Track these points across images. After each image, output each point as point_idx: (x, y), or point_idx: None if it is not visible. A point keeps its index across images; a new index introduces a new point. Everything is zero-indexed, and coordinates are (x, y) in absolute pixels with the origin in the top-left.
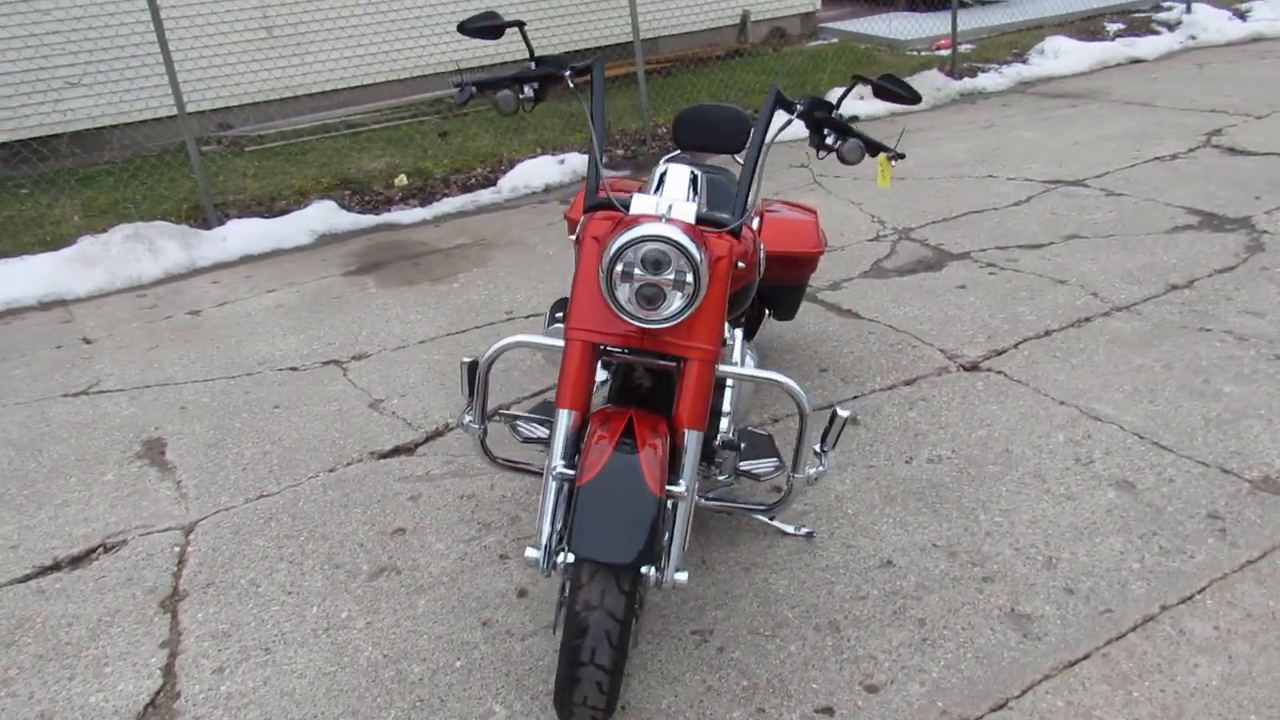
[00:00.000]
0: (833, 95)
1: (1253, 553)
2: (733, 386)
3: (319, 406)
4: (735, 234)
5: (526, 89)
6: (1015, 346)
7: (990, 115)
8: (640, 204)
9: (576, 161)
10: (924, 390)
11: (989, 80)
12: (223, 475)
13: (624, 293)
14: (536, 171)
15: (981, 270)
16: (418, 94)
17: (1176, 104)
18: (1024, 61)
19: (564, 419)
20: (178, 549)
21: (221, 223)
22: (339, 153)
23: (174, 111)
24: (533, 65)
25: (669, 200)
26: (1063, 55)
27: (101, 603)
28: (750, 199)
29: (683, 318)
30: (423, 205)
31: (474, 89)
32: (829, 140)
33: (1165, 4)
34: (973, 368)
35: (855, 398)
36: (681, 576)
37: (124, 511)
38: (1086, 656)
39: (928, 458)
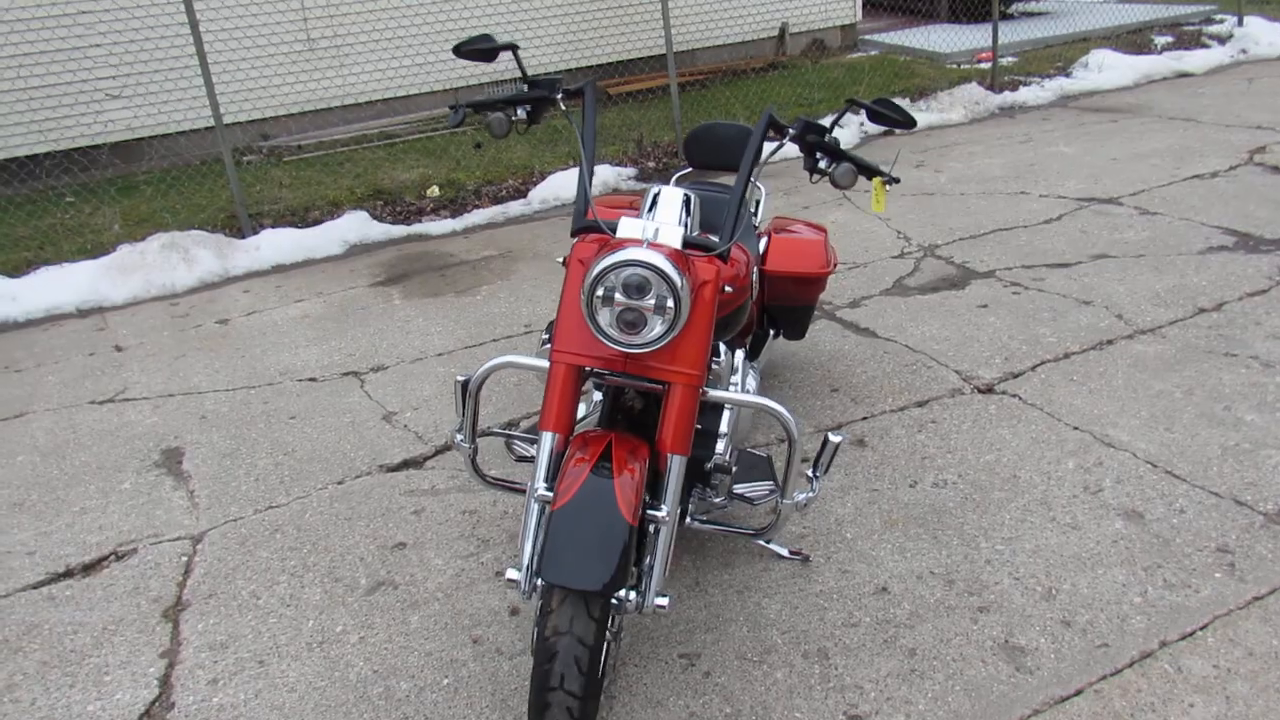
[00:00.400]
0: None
1: (1261, 589)
2: (731, 409)
3: (334, 418)
4: (723, 258)
5: (520, 111)
6: (1032, 369)
7: (1029, 130)
8: (627, 227)
9: (606, 174)
10: (935, 412)
11: (1030, 94)
12: (235, 486)
13: (605, 317)
14: (567, 183)
15: (1005, 289)
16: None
17: (1221, 120)
18: (1067, 75)
19: (547, 441)
20: (185, 558)
21: (256, 232)
22: (374, 163)
23: (212, 123)
24: (525, 87)
25: (656, 224)
26: (1107, 69)
27: (107, 611)
28: (741, 222)
29: (663, 343)
30: (453, 216)
31: (467, 111)
32: (821, 164)
33: (1217, 16)
34: (987, 390)
35: (864, 419)
36: (662, 601)
37: (137, 520)
38: (1079, 692)
39: (933, 482)
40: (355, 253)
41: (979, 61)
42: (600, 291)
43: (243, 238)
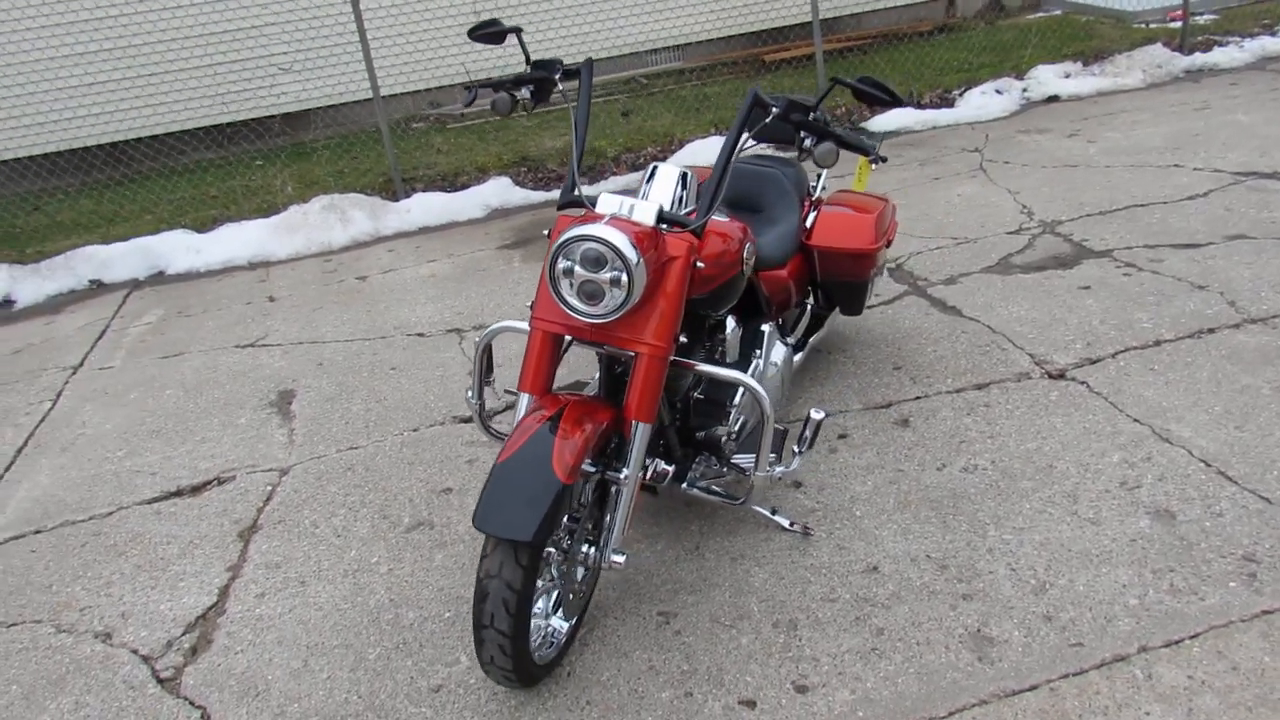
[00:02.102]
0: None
1: (1275, 603)
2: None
3: (428, 371)
4: (697, 234)
5: (524, 91)
6: (1113, 356)
7: (1209, 96)
8: (605, 203)
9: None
10: (991, 396)
11: (1224, 55)
12: (328, 427)
13: (566, 288)
14: (704, 151)
15: (1116, 270)
16: (615, 73)
17: None
18: (1272, 34)
19: (524, 402)
20: (270, 488)
21: (408, 195)
22: (527, 131)
23: (358, 98)
24: (528, 69)
25: (632, 201)
26: None
27: (197, 528)
28: (718, 198)
29: (618, 315)
30: (590, 183)
31: (476, 92)
32: (806, 143)
33: None
34: (1058, 376)
35: (917, 398)
36: (618, 559)
37: (242, 451)
38: (1033, 688)
39: (963, 466)
40: (494, 216)
41: (1170, 20)
42: (562, 264)
43: (395, 200)
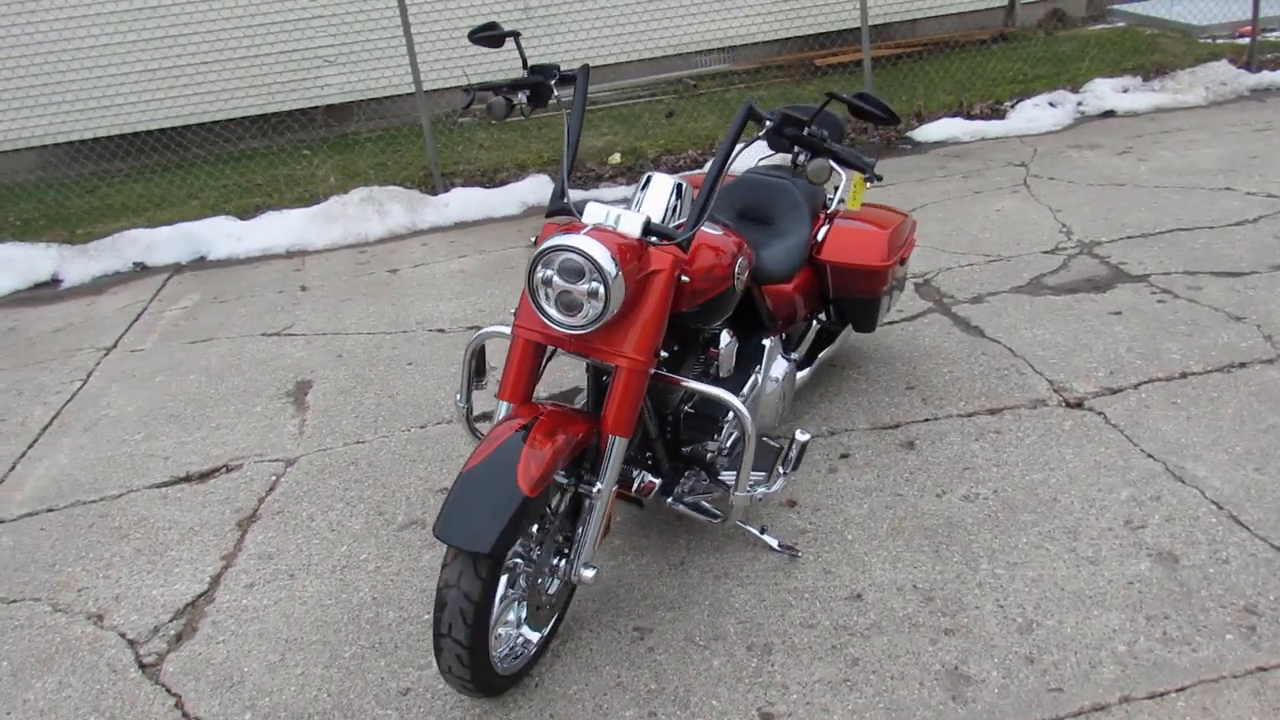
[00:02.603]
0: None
1: (1272, 659)
2: (742, 397)
3: (441, 368)
4: (683, 247)
5: (521, 95)
6: (1135, 386)
7: (1273, 116)
8: (591, 213)
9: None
10: (1003, 422)
11: None
12: (338, 419)
13: (545, 298)
14: (744, 157)
15: (1151, 296)
16: (659, 74)
17: None
18: None
19: (502, 410)
20: (274, 478)
21: (446, 190)
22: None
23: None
24: (526, 73)
25: (619, 210)
26: None
27: (199, 514)
28: (706, 212)
29: (595, 327)
30: (628, 184)
31: (475, 95)
32: (800, 158)
33: None
34: (1076, 404)
35: (926, 420)
36: (588, 573)
37: (253, 440)
38: None
39: (964, 494)
40: (530, 214)
41: (1239, 36)
42: (541, 273)
43: (434, 195)
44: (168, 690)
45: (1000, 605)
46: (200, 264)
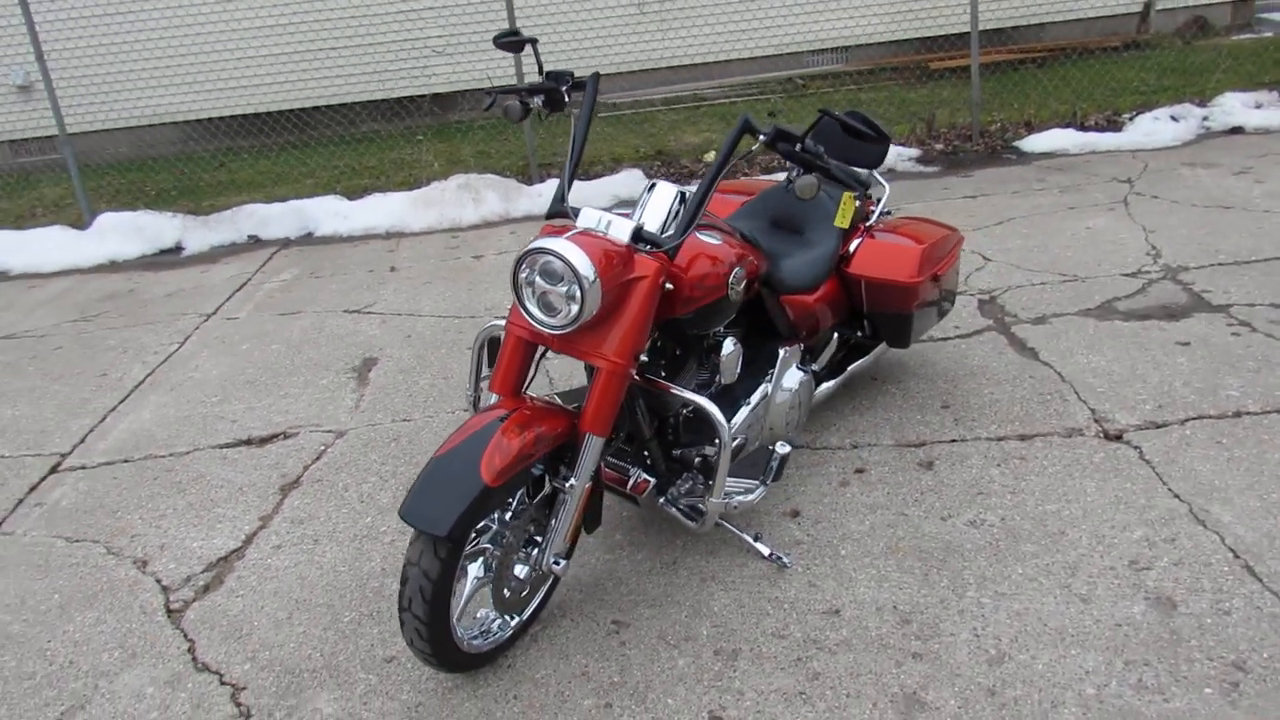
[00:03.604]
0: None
1: (1247, 719)
2: (748, 404)
3: None
4: (670, 255)
5: (536, 100)
6: (1181, 422)
7: None
8: (585, 217)
9: (896, 151)
10: (1032, 449)
11: None
12: (393, 397)
13: (528, 297)
14: None
15: (1226, 328)
16: (769, 72)
17: None
18: None
19: (490, 401)
20: (323, 448)
21: (542, 180)
22: (671, 125)
23: (527, 80)
24: (542, 79)
25: (611, 216)
26: None
27: (250, 476)
28: (696, 220)
29: (573, 328)
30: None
31: (496, 97)
32: (792, 174)
33: None
34: (1114, 437)
35: (952, 441)
36: (558, 566)
37: (313, 410)
38: None
39: (970, 519)
40: (619, 207)
41: None
42: (524, 274)
43: (530, 184)
44: (185, 635)
45: (976, 635)
46: (307, 240)
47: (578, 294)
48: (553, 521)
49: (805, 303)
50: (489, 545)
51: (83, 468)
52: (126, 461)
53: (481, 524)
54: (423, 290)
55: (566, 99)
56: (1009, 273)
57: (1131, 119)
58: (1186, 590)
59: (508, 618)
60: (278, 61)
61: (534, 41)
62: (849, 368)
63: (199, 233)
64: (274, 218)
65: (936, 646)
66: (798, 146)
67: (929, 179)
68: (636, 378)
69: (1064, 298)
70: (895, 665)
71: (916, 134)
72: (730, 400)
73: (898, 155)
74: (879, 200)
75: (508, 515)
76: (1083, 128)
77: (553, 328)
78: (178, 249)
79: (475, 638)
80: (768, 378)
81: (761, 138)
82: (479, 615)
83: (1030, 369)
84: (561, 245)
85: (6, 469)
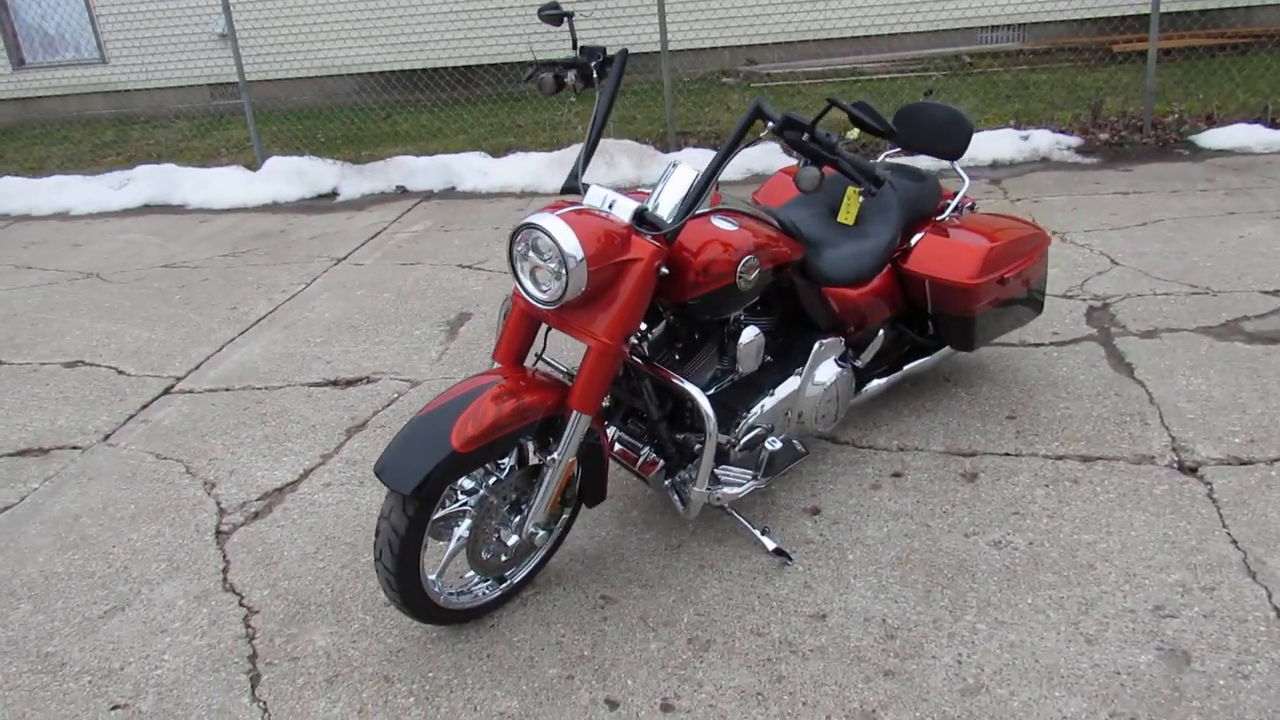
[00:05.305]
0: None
1: None
2: (770, 394)
3: None
4: (668, 239)
5: (569, 75)
6: (1270, 461)
7: None
8: (592, 195)
9: (1042, 141)
10: (1090, 472)
11: None
12: (474, 352)
13: (522, 270)
14: (989, 145)
15: None
16: (939, 48)
17: None
18: None
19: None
20: (396, 396)
21: (678, 148)
22: (821, 99)
23: (686, 46)
24: (575, 54)
25: (615, 196)
26: None
27: (325, 416)
28: (698, 206)
29: (557, 305)
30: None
31: (536, 70)
32: (799, 163)
33: None
34: (1187, 469)
35: (1006, 454)
36: (540, 535)
37: (399, 358)
38: None
39: (994, 540)
40: (750, 181)
41: None
42: (518, 247)
43: (664, 152)
44: (224, 556)
45: (959, 661)
46: (449, 194)
47: (562, 272)
48: (535, 492)
49: (848, 296)
50: (467, 506)
51: (190, 392)
52: (227, 390)
53: (470, 486)
54: None
55: (595, 75)
56: (1133, 279)
57: None
58: (1208, 646)
59: (493, 581)
60: (444, 19)
61: (570, 15)
62: (905, 367)
63: (354, 180)
64: (421, 170)
65: (913, 667)
66: (805, 136)
67: (1082, 170)
68: (638, 361)
69: (1185, 311)
70: (864, 680)
71: (1080, 121)
72: (755, 389)
73: (1055, 143)
74: (956, 194)
75: (492, 480)
76: (1274, 124)
77: (542, 303)
78: (333, 194)
79: (457, 595)
80: (799, 369)
81: (770, 124)
82: (467, 575)
83: (1119, 385)
84: (550, 222)
85: (128, 386)
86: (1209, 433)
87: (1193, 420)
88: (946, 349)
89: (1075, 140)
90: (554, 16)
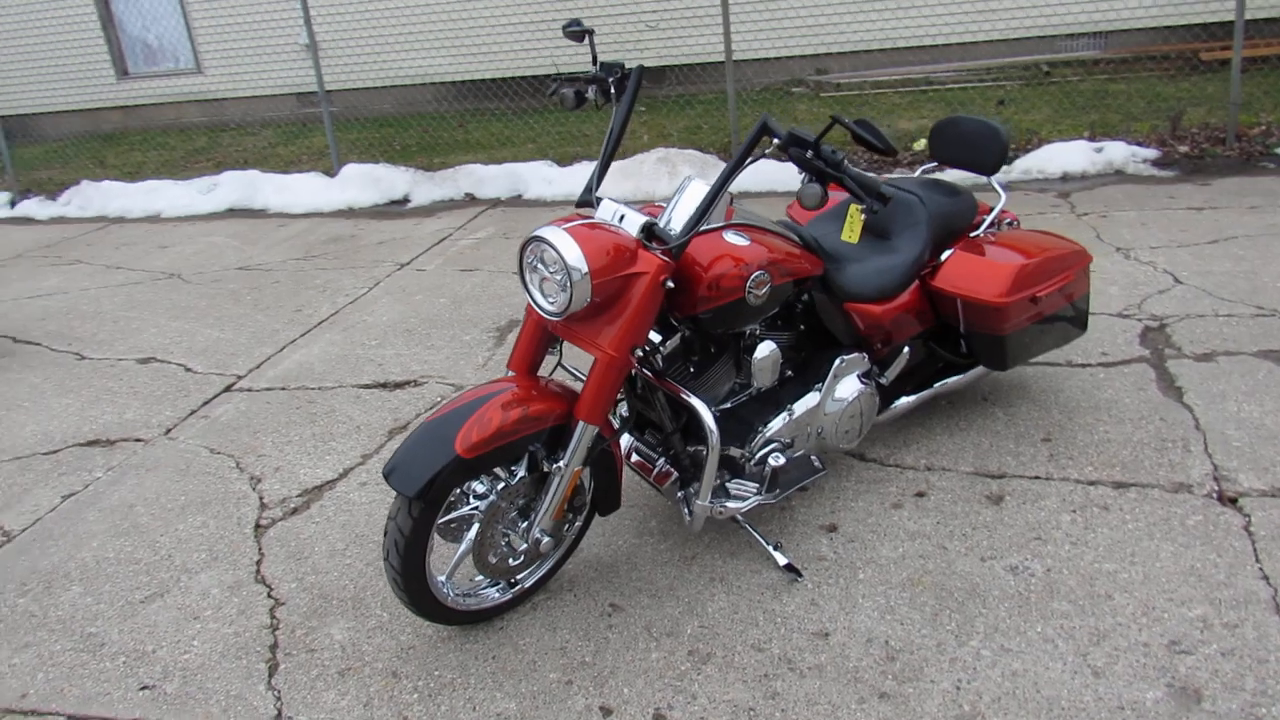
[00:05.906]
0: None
1: None
2: (789, 411)
3: None
4: (673, 255)
5: (590, 90)
6: None
7: None
8: (603, 209)
9: (1116, 153)
10: (1121, 500)
11: None
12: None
13: (531, 281)
14: (1060, 156)
15: None
16: (1011, 57)
17: None
18: None
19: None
20: (440, 399)
21: None
22: (890, 108)
23: (753, 56)
24: (595, 69)
25: (625, 209)
26: None
27: (371, 417)
28: (705, 222)
29: (562, 316)
30: (910, 169)
31: (559, 85)
32: (802, 179)
33: None
34: (1227, 500)
35: (1035, 478)
36: (546, 541)
37: (447, 364)
38: None
39: (1011, 565)
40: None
41: None
42: (528, 259)
43: (727, 161)
44: (259, 549)
45: (958, 687)
46: (515, 201)
47: (567, 284)
48: (544, 501)
49: (873, 312)
50: (476, 510)
51: (249, 390)
52: (283, 389)
53: (482, 490)
54: None
55: (612, 90)
56: (1195, 299)
57: None
58: (1222, 686)
59: (504, 584)
60: (517, 30)
61: (590, 33)
62: (936, 385)
63: (425, 187)
64: (489, 178)
65: (910, 691)
66: (809, 153)
67: (1157, 184)
68: (648, 373)
69: (1246, 334)
70: (858, 701)
71: (1158, 132)
72: (773, 404)
73: (1130, 155)
74: (992, 209)
75: (501, 485)
76: None
77: (549, 314)
78: (405, 200)
79: (460, 596)
80: (820, 384)
81: (775, 140)
82: (477, 578)
83: (1165, 410)
84: (557, 235)
85: (194, 383)
86: (1255, 462)
87: (1239, 448)
88: (980, 368)
89: (1152, 152)
90: (577, 34)
